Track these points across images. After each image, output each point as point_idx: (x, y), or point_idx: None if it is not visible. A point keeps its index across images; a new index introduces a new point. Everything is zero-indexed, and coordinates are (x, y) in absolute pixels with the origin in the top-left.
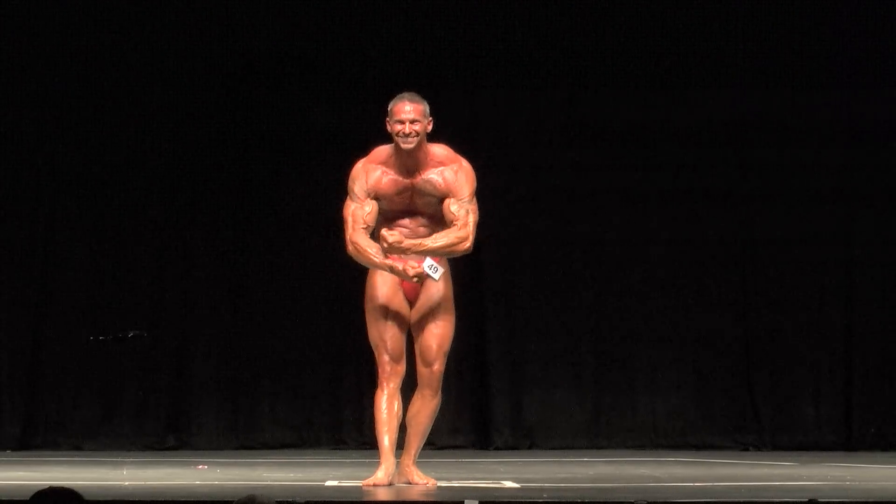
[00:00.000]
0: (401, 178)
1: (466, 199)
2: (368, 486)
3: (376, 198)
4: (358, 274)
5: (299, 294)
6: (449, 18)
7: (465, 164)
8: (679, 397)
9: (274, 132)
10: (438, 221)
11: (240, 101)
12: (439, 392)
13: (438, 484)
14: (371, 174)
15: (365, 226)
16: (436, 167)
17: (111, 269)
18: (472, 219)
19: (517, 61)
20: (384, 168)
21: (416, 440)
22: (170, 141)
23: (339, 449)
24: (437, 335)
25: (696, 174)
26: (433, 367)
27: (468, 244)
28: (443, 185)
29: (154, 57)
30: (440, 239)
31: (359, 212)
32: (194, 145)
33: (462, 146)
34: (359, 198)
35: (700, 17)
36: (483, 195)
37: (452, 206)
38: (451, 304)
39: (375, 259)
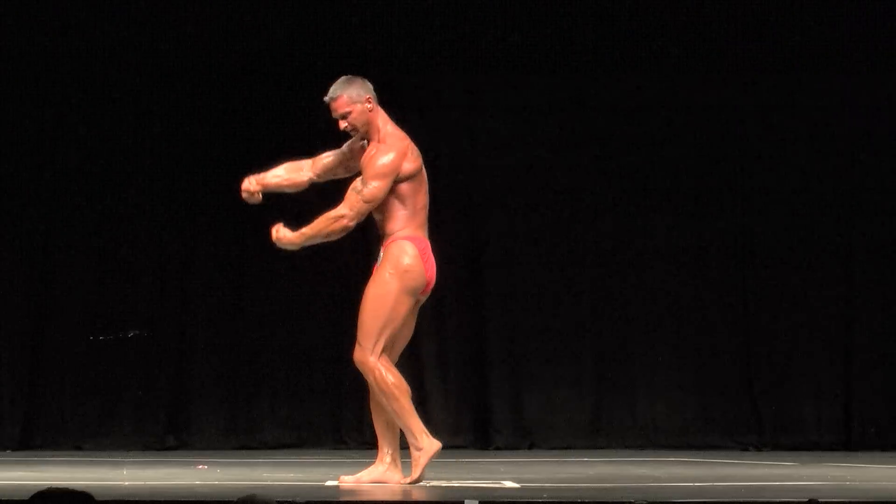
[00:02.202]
0: (365, 147)
1: (368, 177)
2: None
3: (352, 155)
4: (359, 273)
5: (299, 294)
6: (449, 17)
7: (394, 143)
8: (679, 397)
9: (274, 132)
10: (383, 202)
11: (240, 101)
12: (373, 380)
13: (435, 484)
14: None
15: (316, 160)
16: (377, 144)
17: (111, 269)
18: (360, 197)
19: (517, 59)
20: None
21: (387, 432)
22: (170, 140)
23: (339, 449)
24: (361, 319)
25: (695, 173)
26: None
27: (344, 222)
28: (364, 161)
29: (154, 56)
30: (316, 225)
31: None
32: (194, 145)
33: (462, 144)
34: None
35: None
36: (483, 194)
37: (353, 183)
38: (386, 295)
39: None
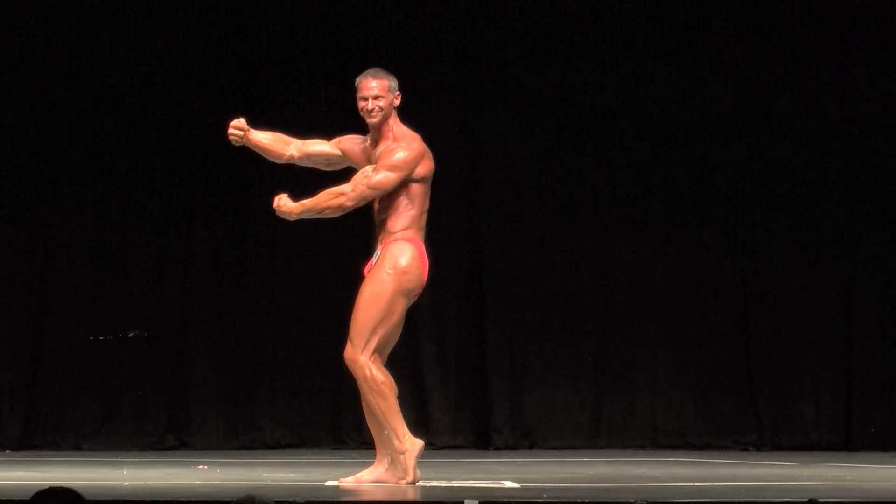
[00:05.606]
0: (369, 148)
1: (382, 166)
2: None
3: (345, 157)
4: (358, 274)
5: (299, 294)
6: (448, 17)
7: (412, 143)
8: (679, 397)
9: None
10: (392, 198)
11: (240, 101)
12: (362, 377)
13: (435, 484)
14: (353, 136)
15: (304, 144)
16: (392, 142)
17: (111, 269)
18: (367, 181)
19: (518, 60)
20: (366, 140)
21: (383, 433)
22: (170, 140)
23: (339, 449)
24: (354, 317)
25: (697, 175)
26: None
27: (342, 200)
28: (383, 152)
29: (155, 56)
30: (317, 198)
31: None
32: (194, 144)
33: (462, 144)
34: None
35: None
36: (483, 194)
37: (364, 168)
38: (382, 294)
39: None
